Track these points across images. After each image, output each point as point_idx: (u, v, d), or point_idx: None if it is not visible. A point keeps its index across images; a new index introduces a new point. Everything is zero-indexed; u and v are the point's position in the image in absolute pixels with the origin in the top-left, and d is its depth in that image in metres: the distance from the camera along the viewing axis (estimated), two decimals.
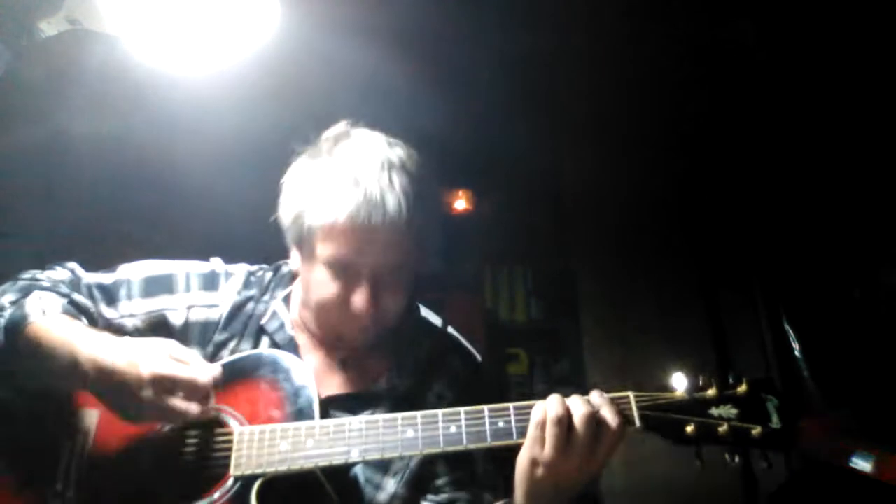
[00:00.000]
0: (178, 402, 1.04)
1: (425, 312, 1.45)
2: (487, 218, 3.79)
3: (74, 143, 2.34)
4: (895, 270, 2.54)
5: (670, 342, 3.08)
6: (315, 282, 1.20)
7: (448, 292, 3.33)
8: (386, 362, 1.30)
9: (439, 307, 1.63)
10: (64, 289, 1.23)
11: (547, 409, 1.02)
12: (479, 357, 1.44)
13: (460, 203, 3.85)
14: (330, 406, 1.22)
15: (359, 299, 1.16)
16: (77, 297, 1.23)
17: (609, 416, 1.02)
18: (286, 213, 1.22)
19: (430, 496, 1.24)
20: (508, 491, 1.12)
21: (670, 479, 2.48)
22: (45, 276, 1.26)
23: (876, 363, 2.48)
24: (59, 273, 1.29)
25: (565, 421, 1.00)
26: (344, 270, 1.17)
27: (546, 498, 1.05)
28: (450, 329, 1.57)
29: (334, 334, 1.25)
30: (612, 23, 2.68)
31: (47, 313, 1.13)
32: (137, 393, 1.02)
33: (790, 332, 2.85)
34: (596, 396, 1.05)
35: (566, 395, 1.06)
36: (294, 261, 1.28)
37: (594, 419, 1.01)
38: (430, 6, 2.46)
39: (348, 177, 1.14)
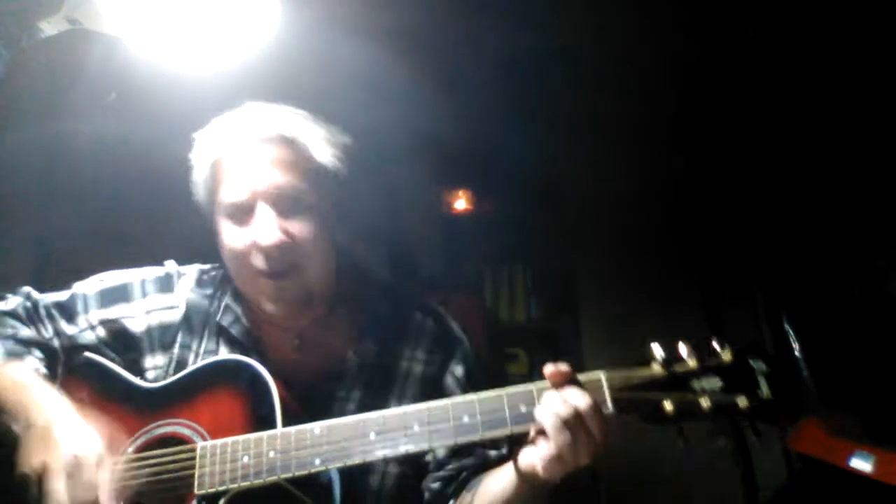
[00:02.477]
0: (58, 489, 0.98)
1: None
2: (487, 218, 3.79)
3: (74, 143, 2.34)
4: (895, 270, 2.54)
5: (670, 342, 3.08)
6: (224, 237, 1.18)
7: (448, 292, 3.33)
8: (348, 332, 1.25)
9: (417, 294, 1.58)
10: (7, 328, 1.21)
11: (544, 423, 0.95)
12: (440, 310, 1.35)
13: (460, 203, 3.84)
14: (299, 394, 1.18)
15: (259, 226, 1.12)
16: (23, 332, 1.21)
17: (582, 406, 0.94)
18: (198, 186, 1.23)
19: (435, 473, 1.21)
20: (511, 446, 1.10)
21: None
22: None
23: (876, 363, 2.48)
24: (12, 302, 1.27)
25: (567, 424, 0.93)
26: (240, 208, 1.14)
27: (532, 488, 1.03)
28: None
29: (257, 292, 1.17)
30: (612, 22, 2.68)
31: None
32: (36, 468, 1.00)
33: (790, 332, 2.85)
34: (572, 394, 0.96)
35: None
36: (220, 245, 1.23)
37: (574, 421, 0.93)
38: (430, 6, 2.46)
39: (232, 116, 1.20)
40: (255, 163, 1.15)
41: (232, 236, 1.17)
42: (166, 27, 1.18)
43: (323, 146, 1.20)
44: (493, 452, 1.21)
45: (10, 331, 1.21)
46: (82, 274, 1.33)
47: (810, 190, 2.81)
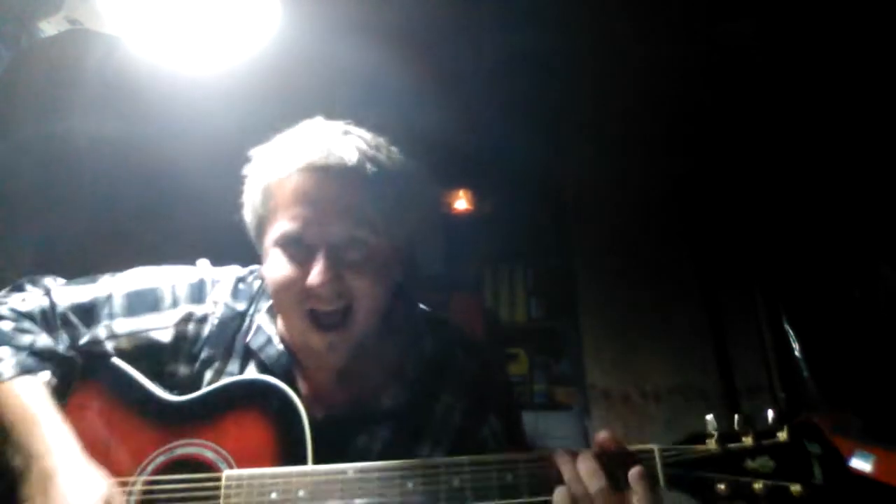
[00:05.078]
0: None
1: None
2: (487, 218, 3.79)
3: (74, 143, 2.34)
4: (895, 270, 2.54)
5: (670, 342, 3.08)
6: (272, 268, 1.07)
7: (448, 292, 3.33)
8: (387, 370, 1.18)
9: (440, 307, 1.59)
10: (25, 336, 1.15)
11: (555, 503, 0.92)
12: (483, 349, 1.29)
13: (460, 203, 3.85)
14: (329, 428, 1.11)
15: (313, 266, 1.02)
16: (39, 344, 1.15)
17: (634, 483, 0.91)
18: (248, 206, 1.14)
19: None
20: None
21: None
22: (10, 307, 1.18)
23: (876, 363, 2.48)
24: (30, 299, 1.20)
25: None
26: (297, 242, 1.05)
27: None
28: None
29: (302, 340, 1.09)
30: (612, 22, 2.68)
31: (2, 377, 1.09)
32: None
33: (790, 332, 2.85)
34: (590, 471, 0.92)
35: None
36: (265, 269, 1.14)
37: (612, 495, 0.90)
38: (430, 6, 2.45)
39: (298, 137, 1.09)
40: (315, 195, 1.05)
41: (280, 268, 1.06)
42: (166, 27, 1.18)
43: (391, 183, 1.10)
44: None
45: (26, 339, 1.14)
46: (82, 274, 1.33)
47: (810, 191, 2.81)
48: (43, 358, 1.14)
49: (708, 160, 3.10)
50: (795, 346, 2.80)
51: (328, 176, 1.05)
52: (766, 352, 2.97)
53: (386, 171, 1.09)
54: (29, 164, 2.24)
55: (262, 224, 1.12)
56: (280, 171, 1.07)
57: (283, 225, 1.06)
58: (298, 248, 1.05)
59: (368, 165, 1.07)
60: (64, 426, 1.07)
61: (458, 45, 2.72)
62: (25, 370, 1.11)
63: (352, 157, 1.06)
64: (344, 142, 1.08)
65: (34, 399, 1.09)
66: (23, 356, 1.12)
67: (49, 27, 1.08)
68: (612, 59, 2.88)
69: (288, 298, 1.06)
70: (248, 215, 1.15)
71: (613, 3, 2.54)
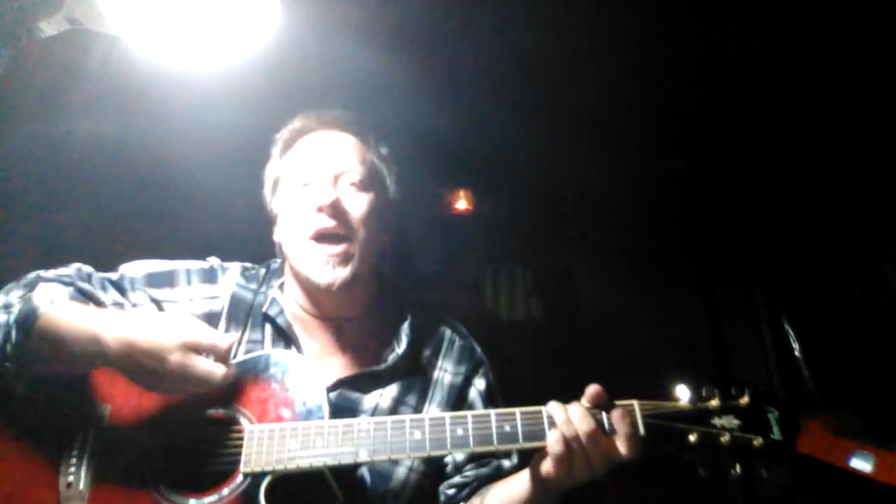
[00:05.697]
0: (204, 366, 1.07)
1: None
2: (487, 218, 3.79)
3: (74, 143, 2.34)
4: (895, 270, 2.54)
5: (670, 342, 3.09)
6: (288, 206, 1.32)
7: (448, 292, 3.33)
8: (385, 334, 1.34)
9: (440, 307, 1.63)
10: (67, 279, 1.24)
11: (549, 443, 1.05)
12: (463, 327, 1.48)
13: (460, 203, 3.84)
14: (339, 388, 1.26)
15: (322, 190, 1.26)
16: (82, 284, 1.25)
17: (617, 426, 1.06)
18: (269, 169, 1.39)
19: (451, 479, 1.29)
20: (523, 458, 1.19)
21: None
22: (50, 272, 1.27)
23: (875, 363, 2.48)
24: (64, 270, 1.30)
25: (567, 453, 1.04)
26: (308, 175, 1.29)
27: (545, 492, 1.11)
28: None
29: (309, 258, 1.26)
30: (612, 22, 2.68)
31: (55, 302, 1.15)
32: (163, 363, 1.05)
33: (790, 332, 2.85)
34: (578, 415, 1.07)
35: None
36: (277, 230, 1.37)
37: (599, 436, 1.05)
38: (430, 6, 2.45)
39: (307, 113, 1.39)
40: (331, 144, 1.34)
41: (296, 202, 1.30)
42: (166, 27, 1.18)
43: (385, 154, 1.40)
44: (507, 463, 1.29)
45: (68, 280, 1.24)
46: None
47: (811, 190, 2.81)
48: (85, 296, 1.24)
49: (708, 160, 3.10)
50: (795, 345, 2.81)
51: (336, 125, 1.35)
52: (766, 352, 2.97)
53: (385, 136, 1.38)
54: (29, 164, 2.24)
55: (279, 179, 1.37)
56: (298, 131, 1.37)
57: (297, 166, 1.33)
58: (311, 181, 1.29)
59: (362, 121, 1.38)
60: (126, 312, 1.21)
61: (459, 45, 2.72)
62: (75, 300, 1.20)
63: (355, 116, 1.37)
64: (341, 111, 1.39)
65: (93, 309, 1.18)
66: (71, 289, 1.22)
67: (49, 27, 1.08)
68: (611, 58, 2.88)
69: (300, 222, 1.27)
70: (268, 178, 1.39)
71: (613, 3, 2.54)
